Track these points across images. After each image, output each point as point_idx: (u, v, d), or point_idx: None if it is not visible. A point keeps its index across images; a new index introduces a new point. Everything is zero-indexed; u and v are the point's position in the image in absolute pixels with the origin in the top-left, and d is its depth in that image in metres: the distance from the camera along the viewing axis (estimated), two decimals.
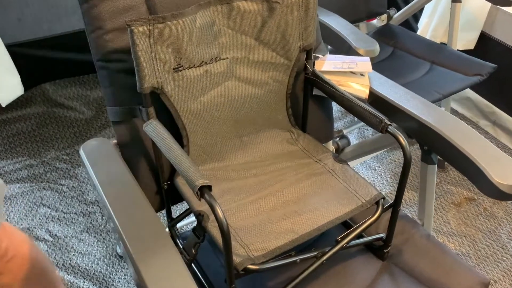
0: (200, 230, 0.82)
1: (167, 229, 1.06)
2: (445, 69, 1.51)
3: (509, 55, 1.79)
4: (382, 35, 1.71)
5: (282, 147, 1.01)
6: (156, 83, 0.80)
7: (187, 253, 0.84)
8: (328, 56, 1.04)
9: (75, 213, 1.62)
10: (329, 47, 1.45)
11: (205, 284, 0.91)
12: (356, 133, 1.95)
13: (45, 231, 1.56)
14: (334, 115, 1.11)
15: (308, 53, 0.97)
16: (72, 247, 1.51)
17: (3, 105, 1.67)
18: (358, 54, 1.19)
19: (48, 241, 1.52)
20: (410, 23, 2.15)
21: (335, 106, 1.93)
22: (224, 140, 0.95)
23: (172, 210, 0.98)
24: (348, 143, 1.30)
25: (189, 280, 0.62)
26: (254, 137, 0.99)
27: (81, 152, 0.87)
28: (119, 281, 1.42)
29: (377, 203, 0.87)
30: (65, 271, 1.44)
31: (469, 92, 1.99)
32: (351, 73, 1.02)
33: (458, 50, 1.62)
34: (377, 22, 1.79)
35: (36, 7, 1.94)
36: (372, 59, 1.08)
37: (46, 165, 1.81)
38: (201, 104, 0.89)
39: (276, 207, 0.87)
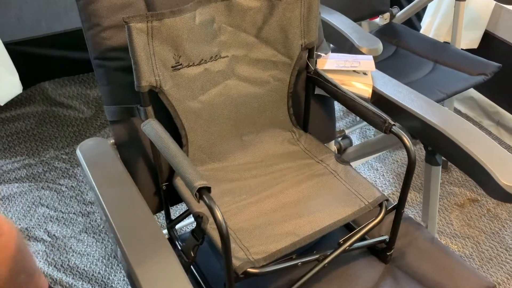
0: (199, 232, 0.81)
1: (165, 231, 1.05)
2: (448, 68, 1.49)
3: None
4: (384, 33, 1.69)
5: (283, 147, 0.99)
6: (155, 82, 0.78)
7: (186, 255, 0.83)
8: (331, 54, 1.02)
9: (74, 213, 1.61)
10: (331, 45, 1.43)
11: (204, 287, 0.89)
12: (358, 133, 1.93)
13: (44, 231, 1.54)
14: (336, 115, 1.09)
15: (310, 52, 0.95)
16: (71, 248, 1.49)
17: (2, 104, 1.65)
18: (361, 53, 1.17)
19: (47, 242, 1.50)
20: (413, 22, 2.13)
21: (336, 106, 1.91)
22: (224, 140, 0.94)
23: (171, 211, 0.96)
24: (351, 143, 1.28)
25: (186, 285, 0.60)
26: (255, 137, 0.98)
27: (78, 152, 0.85)
28: (118, 282, 1.40)
29: (380, 205, 0.85)
30: (63, 272, 1.42)
31: (473, 92, 1.97)
32: (354, 72, 1.00)
33: (461, 49, 1.60)
34: (379, 20, 1.77)
35: (35, 5, 1.92)
36: (374, 58, 1.06)
37: (45, 164, 1.79)
38: (201, 103, 0.87)
39: (277, 208, 0.86)
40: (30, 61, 2.03)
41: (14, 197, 1.66)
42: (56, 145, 1.87)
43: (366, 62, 1.00)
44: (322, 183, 0.91)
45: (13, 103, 2.01)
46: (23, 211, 1.61)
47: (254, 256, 0.76)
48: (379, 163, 1.79)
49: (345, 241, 0.82)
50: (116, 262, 1.46)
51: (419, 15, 2.07)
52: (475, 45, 1.87)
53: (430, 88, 1.37)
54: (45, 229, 1.55)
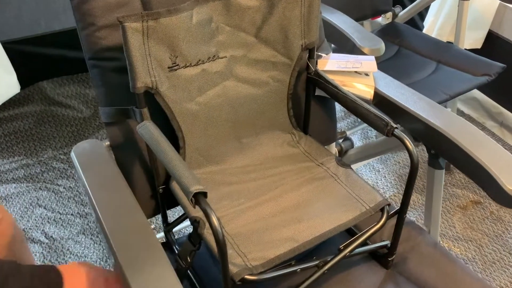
0: (196, 237, 0.79)
1: (162, 233, 1.03)
2: (452, 69, 1.47)
3: None
4: (387, 33, 1.67)
5: (282, 149, 0.97)
6: (150, 83, 0.76)
7: (182, 261, 0.81)
8: (332, 55, 1.00)
9: (72, 214, 1.59)
10: (332, 45, 1.41)
11: None
12: (360, 133, 1.91)
13: (41, 233, 1.52)
14: (337, 115, 1.07)
15: (311, 52, 0.92)
16: (68, 249, 1.48)
17: None
18: (362, 53, 1.15)
19: (44, 243, 1.49)
20: (416, 21, 2.10)
21: (338, 106, 1.90)
22: (222, 142, 0.92)
23: (169, 213, 0.94)
24: (352, 145, 1.26)
25: None
26: (254, 139, 0.95)
27: (72, 154, 0.83)
28: None
29: (381, 209, 0.83)
30: None
31: (476, 92, 1.95)
32: (356, 73, 0.98)
33: (465, 49, 1.58)
34: (382, 20, 1.75)
35: (33, 3, 1.90)
36: (377, 58, 1.04)
37: (42, 164, 1.77)
38: (198, 105, 0.85)
39: (276, 213, 0.84)
40: (28, 60, 2.01)
41: (11, 197, 1.64)
42: (54, 145, 1.86)
43: (368, 63, 0.98)
44: (322, 187, 0.88)
45: (11, 103, 1.99)
46: (20, 212, 1.59)
47: (252, 263, 0.74)
48: (380, 165, 1.77)
49: (345, 247, 0.80)
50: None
51: (422, 15, 2.04)
52: (478, 45, 1.85)
53: (433, 89, 1.35)
54: (42, 230, 1.53)
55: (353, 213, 0.82)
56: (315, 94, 0.98)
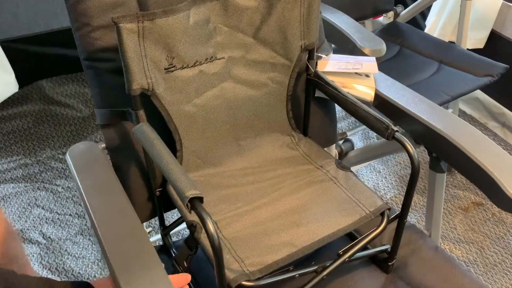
0: (192, 241, 0.77)
1: (158, 236, 1.01)
2: (454, 69, 1.45)
3: None
4: (388, 33, 1.65)
5: (281, 152, 0.96)
6: (146, 84, 0.75)
7: (179, 265, 0.80)
8: (332, 56, 0.98)
9: (70, 215, 1.58)
10: (332, 46, 1.39)
11: None
12: (360, 134, 1.89)
13: (39, 233, 1.51)
14: (337, 115, 1.05)
15: (310, 53, 0.91)
16: (66, 250, 1.47)
17: None
18: (363, 54, 1.13)
19: (41, 244, 1.48)
20: (418, 21, 2.09)
21: (338, 106, 1.88)
22: (220, 145, 0.90)
23: (166, 216, 0.93)
24: (352, 146, 1.25)
25: None
26: (252, 142, 0.94)
27: (67, 156, 0.81)
28: None
29: (382, 214, 0.81)
30: (58, 275, 1.39)
31: (478, 93, 1.93)
32: (356, 74, 0.96)
33: (467, 49, 1.56)
34: (383, 19, 1.73)
35: (31, 2, 1.89)
36: (378, 59, 1.02)
37: (41, 164, 1.76)
38: (195, 107, 0.83)
39: (274, 217, 0.82)
40: (27, 59, 2.00)
41: (9, 197, 1.63)
42: (53, 144, 1.84)
43: (368, 64, 0.97)
44: (321, 190, 0.87)
45: (9, 102, 1.98)
46: (18, 212, 1.58)
47: (249, 268, 0.73)
48: (381, 165, 1.75)
49: (344, 252, 0.79)
50: None
51: (424, 14, 2.02)
52: (481, 45, 1.83)
53: (435, 89, 1.33)
54: (40, 231, 1.52)
55: (352, 218, 0.81)
56: (315, 95, 0.97)
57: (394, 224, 0.84)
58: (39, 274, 1.39)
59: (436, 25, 1.86)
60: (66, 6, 0.77)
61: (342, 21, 1.23)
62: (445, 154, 0.88)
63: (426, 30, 1.92)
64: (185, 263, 0.79)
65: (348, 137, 1.40)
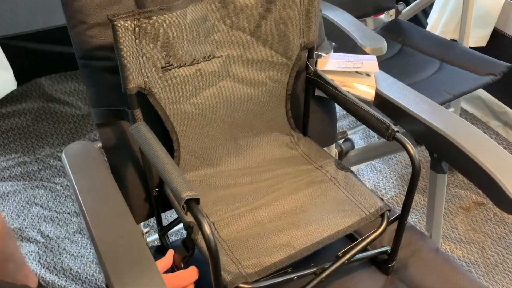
0: (189, 242, 0.76)
1: (156, 236, 1.00)
2: (456, 68, 1.44)
3: None
4: (389, 31, 1.64)
5: (281, 151, 0.94)
6: (143, 83, 0.74)
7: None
8: (332, 54, 0.97)
9: (68, 213, 1.57)
10: (333, 44, 1.38)
11: None
12: (361, 133, 1.88)
13: (37, 232, 1.50)
14: (337, 114, 1.03)
15: (310, 51, 0.89)
16: (64, 249, 1.46)
17: None
18: (364, 52, 1.12)
19: (40, 242, 1.47)
20: (420, 19, 2.07)
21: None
22: (218, 144, 0.89)
23: (166, 214, 0.92)
24: (352, 146, 1.23)
25: None
26: (251, 141, 0.93)
27: (63, 156, 0.80)
28: None
29: (382, 215, 0.80)
30: (56, 274, 1.38)
31: (480, 91, 1.92)
32: (357, 73, 0.95)
33: (469, 47, 1.54)
34: (384, 17, 1.72)
35: None
36: (379, 57, 1.01)
37: (40, 162, 1.75)
38: (193, 106, 0.82)
39: (273, 218, 0.81)
40: (25, 56, 1.99)
41: (8, 196, 1.62)
42: (52, 142, 1.84)
43: (369, 63, 0.95)
44: (320, 191, 0.86)
45: (8, 99, 1.97)
46: (16, 211, 1.57)
47: (246, 270, 0.72)
48: (382, 164, 1.74)
49: (344, 253, 0.78)
50: None
51: (426, 12, 2.01)
52: (483, 43, 1.81)
53: (437, 88, 1.32)
54: (38, 229, 1.51)
55: (352, 219, 0.80)
56: (315, 94, 0.96)
57: (394, 225, 0.82)
58: (36, 273, 1.38)
59: (438, 23, 1.84)
60: (61, 3, 0.75)
61: (342, 19, 1.21)
62: (446, 155, 0.86)
63: (428, 28, 1.91)
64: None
65: (348, 137, 1.39)
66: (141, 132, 0.73)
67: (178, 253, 0.78)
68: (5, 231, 0.94)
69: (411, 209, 1.57)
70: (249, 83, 0.87)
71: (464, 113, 1.98)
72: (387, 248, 0.86)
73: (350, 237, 0.92)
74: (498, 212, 1.58)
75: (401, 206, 0.79)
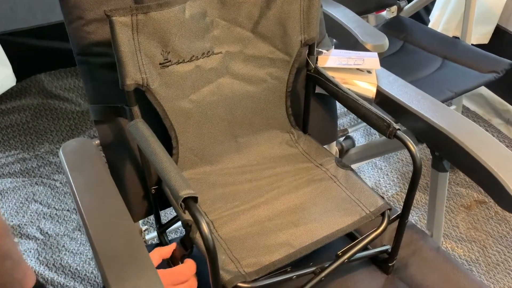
0: (188, 241, 0.76)
1: (154, 234, 0.99)
2: (458, 65, 1.43)
3: None
4: (391, 28, 1.62)
5: (280, 149, 0.93)
6: (141, 80, 0.73)
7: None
8: (333, 51, 0.96)
9: (68, 210, 1.56)
10: (334, 41, 1.36)
11: None
12: (362, 130, 1.87)
13: (36, 229, 1.50)
14: (338, 111, 1.02)
15: (311, 48, 0.88)
16: (64, 246, 1.45)
17: None
18: (365, 49, 1.11)
19: (39, 240, 1.46)
20: (421, 16, 2.05)
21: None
22: (217, 142, 0.88)
23: (165, 211, 0.91)
24: (353, 144, 1.22)
25: None
26: (251, 139, 0.92)
27: (61, 153, 0.80)
28: None
29: (382, 214, 0.79)
30: (55, 271, 1.38)
31: (482, 89, 1.90)
32: (358, 70, 0.94)
33: (471, 44, 1.53)
34: (386, 13, 1.70)
35: None
36: (380, 54, 1.00)
37: (39, 159, 1.75)
38: (192, 103, 0.81)
39: (272, 216, 0.80)
40: (25, 52, 1.98)
41: (7, 192, 1.62)
42: (51, 139, 1.83)
43: (370, 60, 0.94)
44: (320, 189, 0.85)
45: (7, 95, 1.96)
46: (15, 207, 1.57)
47: (245, 269, 0.71)
48: (383, 162, 1.73)
49: (344, 252, 0.77)
50: None
51: (428, 8, 1.99)
52: (485, 40, 1.80)
53: (438, 86, 1.31)
54: (37, 226, 1.51)
55: (352, 218, 0.79)
56: (315, 92, 0.95)
57: (394, 224, 0.82)
58: (35, 270, 1.38)
59: (440, 20, 1.83)
60: None
61: (343, 15, 1.20)
62: (448, 153, 0.85)
63: (430, 25, 1.89)
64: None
65: (349, 134, 1.38)
66: (139, 129, 0.72)
67: (176, 252, 0.78)
68: (3, 229, 0.93)
69: (412, 208, 1.56)
70: (249, 80, 0.86)
71: (466, 111, 1.97)
72: (388, 247, 0.85)
73: (350, 236, 0.91)
74: (499, 210, 1.57)
75: (402, 204, 0.78)
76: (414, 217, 1.54)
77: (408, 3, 1.67)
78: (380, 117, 0.76)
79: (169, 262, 0.79)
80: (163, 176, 0.63)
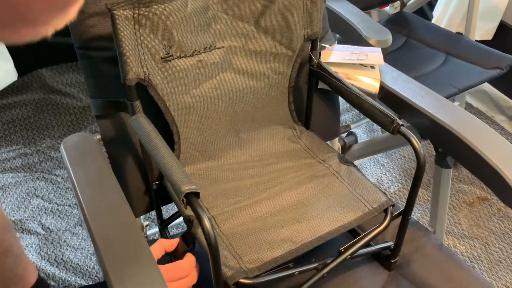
0: (189, 236, 0.75)
1: (156, 229, 0.99)
2: (461, 61, 1.42)
3: None
4: (394, 23, 1.61)
5: (283, 145, 0.93)
6: (142, 74, 0.72)
7: (176, 260, 0.77)
8: (336, 46, 0.95)
9: (69, 205, 1.56)
10: (337, 36, 1.35)
11: None
12: (364, 127, 1.86)
13: (38, 224, 1.50)
14: (341, 107, 1.01)
15: (314, 43, 0.88)
16: (65, 241, 1.45)
17: None
18: (368, 45, 1.10)
19: (40, 235, 1.46)
20: (425, 11, 2.04)
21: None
22: (219, 137, 0.87)
23: (167, 206, 0.90)
24: (356, 140, 1.22)
25: None
26: (253, 134, 0.91)
27: (62, 149, 0.79)
28: None
29: (385, 210, 0.79)
30: (56, 266, 1.38)
31: (485, 85, 1.89)
32: (361, 65, 0.93)
33: (475, 40, 1.52)
34: (389, 9, 1.69)
35: None
36: (383, 50, 0.99)
37: (41, 154, 1.74)
38: (193, 98, 0.81)
39: (274, 212, 0.80)
40: (26, 47, 1.96)
41: (8, 187, 1.62)
42: (53, 134, 1.82)
43: (374, 55, 0.93)
44: (323, 186, 0.84)
45: (9, 90, 1.95)
46: (17, 202, 1.56)
47: (247, 265, 0.70)
48: (385, 158, 1.72)
49: (346, 249, 0.76)
50: None
51: (431, 4, 1.98)
52: (489, 36, 1.79)
53: (442, 82, 1.30)
54: (39, 221, 1.51)
55: (355, 214, 0.78)
56: (318, 87, 0.94)
57: (397, 220, 0.81)
58: (37, 265, 1.38)
59: (444, 16, 1.82)
60: None
61: (347, 10, 1.19)
62: (451, 149, 0.85)
63: (433, 21, 1.88)
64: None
65: (351, 130, 1.37)
66: (141, 124, 0.72)
67: (178, 247, 0.77)
68: (3, 224, 0.93)
69: (414, 205, 1.56)
70: (251, 75, 0.86)
71: (468, 108, 1.96)
72: (390, 243, 0.84)
73: (353, 232, 0.91)
74: (502, 207, 1.56)
75: (404, 200, 0.78)
76: (416, 214, 1.53)
77: None
78: (383, 113, 0.76)
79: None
80: (165, 171, 0.63)
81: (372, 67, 0.93)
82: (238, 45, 0.82)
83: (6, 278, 0.98)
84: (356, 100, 0.81)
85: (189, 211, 0.76)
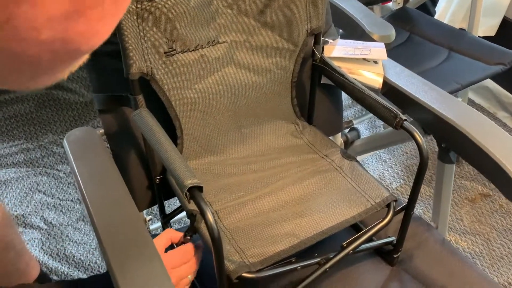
0: (192, 231, 0.75)
1: (158, 224, 0.99)
2: (464, 57, 1.41)
3: None
4: (397, 19, 1.61)
5: (285, 140, 0.93)
6: (145, 69, 0.72)
7: None
8: (339, 41, 0.95)
9: (72, 200, 1.57)
10: (340, 31, 1.35)
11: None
12: (367, 122, 1.86)
13: (40, 219, 1.50)
14: (343, 103, 1.01)
15: (317, 38, 0.87)
16: (67, 236, 1.45)
17: None
18: (371, 40, 1.10)
19: (43, 229, 1.47)
20: (428, 7, 2.03)
21: (345, 93, 1.84)
22: (222, 132, 0.87)
23: (169, 201, 0.91)
24: (358, 135, 1.21)
25: None
26: (255, 129, 0.91)
27: (65, 143, 0.79)
28: None
29: (388, 205, 0.79)
30: (59, 261, 1.38)
31: (488, 81, 1.88)
32: (364, 60, 0.93)
33: (478, 36, 1.51)
34: (392, 4, 1.68)
35: None
36: (386, 45, 0.98)
37: (43, 149, 1.74)
38: (196, 92, 0.80)
39: (277, 207, 0.80)
40: None
41: (11, 182, 1.62)
42: (55, 129, 1.83)
43: (377, 50, 0.93)
44: (326, 181, 0.84)
45: None
46: (19, 197, 1.57)
47: (250, 259, 0.71)
48: (387, 154, 1.72)
49: (348, 243, 0.76)
50: None
51: (434, 0, 1.97)
52: (492, 32, 1.78)
53: (445, 78, 1.29)
54: (41, 216, 1.51)
55: (357, 209, 0.78)
56: (321, 82, 0.94)
57: (400, 216, 0.81)
58: (39, 259, 1.38)
59: (447, 11, 1.81)
60: None
61: (350, 5, 1.19)
62: (455, 145, 0.85)
63: (436, 16, 1.87)
64: None
65: (354, 126, 1.37)
66: (144, 119, 0.72)
67: (180, 242, 0.77)
68: (5, 219, 0.93)
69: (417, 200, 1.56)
70: (254, 70, 0.85)
71: (471, 104, 1.95)
72: (393, 238, 0.84)
73: (355, 227, 0.91)
74: (504, 203, 1.56)
75: (406, 197, 0.78)
76: (418, 210, 1.53)
77: None
78: (386, 108, 0.75)
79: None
80: (168, 165, 0.63)
81: (375, 62, 0.93)
82: (241, 39, 0.82)
83: (8, 272, 0.98)
84: (359, 95, 0.81)
85: (192, 206, 0.76)
